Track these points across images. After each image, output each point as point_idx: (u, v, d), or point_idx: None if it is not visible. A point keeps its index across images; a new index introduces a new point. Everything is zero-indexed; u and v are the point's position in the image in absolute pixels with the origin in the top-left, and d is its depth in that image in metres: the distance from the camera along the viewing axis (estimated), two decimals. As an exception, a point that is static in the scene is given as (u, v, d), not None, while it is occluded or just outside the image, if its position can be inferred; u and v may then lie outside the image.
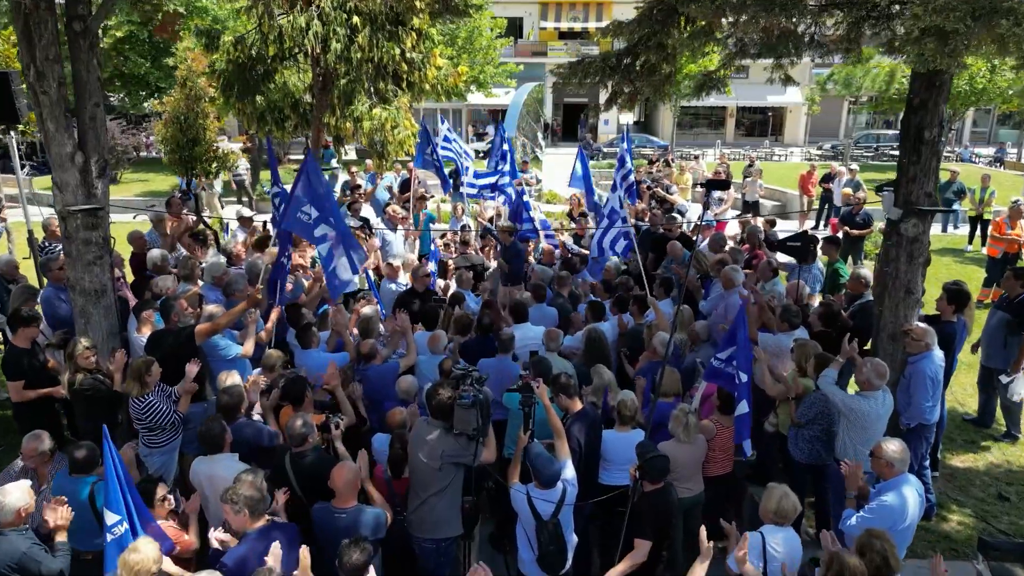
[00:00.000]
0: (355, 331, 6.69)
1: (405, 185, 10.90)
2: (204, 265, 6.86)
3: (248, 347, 5.65)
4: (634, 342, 6.66)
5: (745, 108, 39.55)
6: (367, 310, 6.96)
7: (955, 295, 5.85)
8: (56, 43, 5.30)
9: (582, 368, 6.22)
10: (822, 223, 16.62)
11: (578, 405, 4.87)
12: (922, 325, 5.35)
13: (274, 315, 6.24)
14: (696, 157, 20.79)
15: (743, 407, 4.49)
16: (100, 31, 21.71)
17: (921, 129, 5.31)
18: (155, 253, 6.87)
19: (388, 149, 8.34)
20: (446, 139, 9.54)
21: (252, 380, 5.31)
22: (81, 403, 5.11)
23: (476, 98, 32.62)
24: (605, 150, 31.86)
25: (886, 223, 5.63)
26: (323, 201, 6.12)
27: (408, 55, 8.65)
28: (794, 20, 4.96)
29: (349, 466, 4.06)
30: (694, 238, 9.17)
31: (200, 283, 6.84)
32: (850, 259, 10.67)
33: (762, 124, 41.22)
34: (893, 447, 4.11)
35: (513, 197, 9.71)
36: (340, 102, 8.55)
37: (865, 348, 6.42)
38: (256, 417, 5.23)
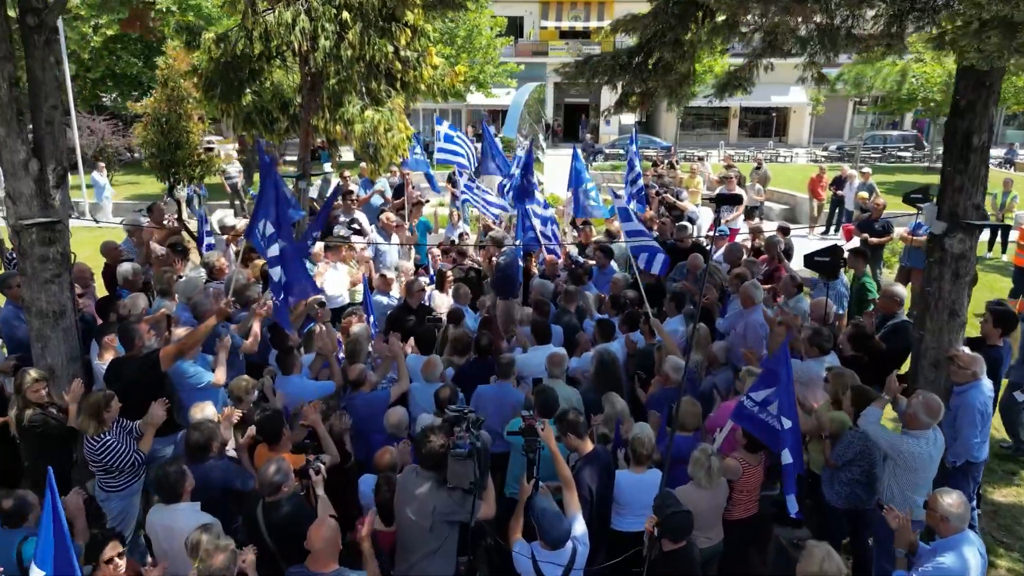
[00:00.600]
0: (342, 353, 6.18)
1: (399, 190, 10.36)
2: (184, 279, 6.30)
3: (219, 375, 5.11)
4: (646, 363, 6.12)
5: (748, 108, 39.00)
6: (356, 329, 6.42)
7: (1002, 317, 5.32)
8: (7, 39, 4.78)
9: (591, 395, 5.70)
10: (832, 228, 16.08)
11: (588, 446, 4.33)
12: (969, 352, 4.81)
13: (255, 328, 5.67)
14: (701, 159, 20.22)
15: (787, 456, 3.92)
16: (91, 30, 20.89)
17: (969, 134, 4.77)
18: (125, 267, 6.32)
19: (381, 153, 7.79)
20: (447, 139, 8.97)
21: (225, 414, 4.78)
22: (32, 440, 4.58)
23: (476, 98, 32.09)
24: (607, 151, 31.32)
25: (928, 238, 5.09)
26: (282, 216, 5.50)
27: (402, 53, 8.10)
28: (829, 12, 4.42)
29: (329, 524, 3.52)
30: (708, 248, 8.64)
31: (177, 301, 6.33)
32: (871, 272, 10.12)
33: (766, 125, 40.64)
34: (950, 500, 3.58)
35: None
36: (330, 103, 7.99)
37: (899, 373, 5.89)
38: (232, 452, 4.71)
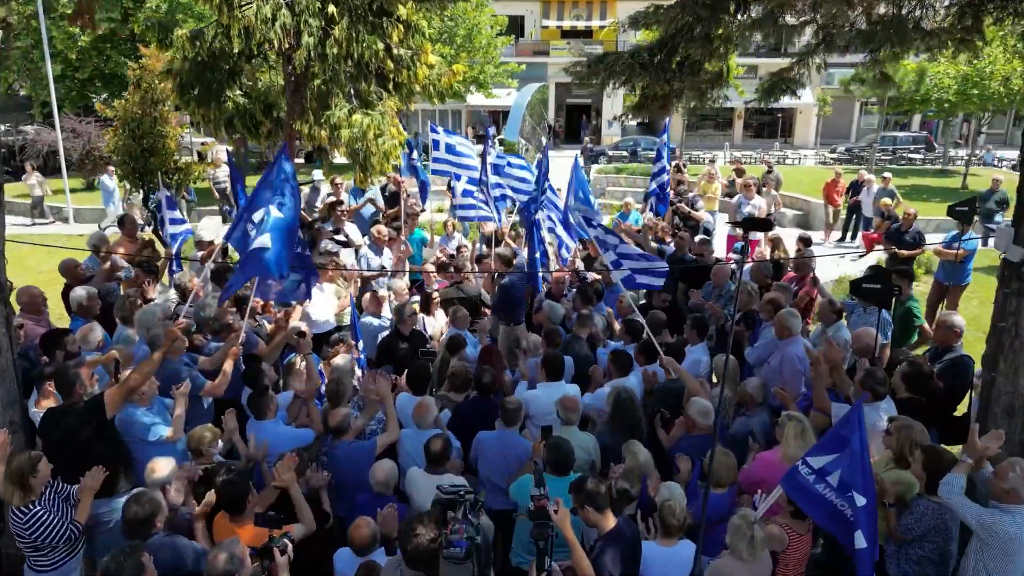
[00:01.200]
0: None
1: (394, 198, 9.63)
2: (143, 307, 5.57)
3: (175, 429, 4.39)
4: (668, 400, 5.40)
5: (753, 109, 38.27)
6: (339, 362, 5.71)
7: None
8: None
9: (606, 437, 4.99)
10: (849, 235, 15.37)
11: (610, 521, 3.61)
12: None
13: (227, 367, 4.97)
14: (712, 161, 19.47)
15: (860, 540, 3.20)
16: (79, 29, 20.00)
17: (1056, 145, 4.06)
18: (78, 293, 5.60)
19: (371, 161, 7.06)
20: (449, 148, 8.27)
21: (181, 474, 4.07)
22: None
23: (476, 99, 31.38)
24: (610, 153, 30.58)
25: (1002, 266, 4.37)
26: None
27: (395, 51, 7.39)
28: (896, 2, 3.71)
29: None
30: (730, 264, 7.93)
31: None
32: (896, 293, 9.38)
33: (771, 126, 39.90)
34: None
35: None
36: (315, 106, 7.26)
37: (956, 416, 5.18)
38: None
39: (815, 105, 34.53)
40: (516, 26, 36.80)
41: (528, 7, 38.02)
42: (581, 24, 37.94)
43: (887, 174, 14.26)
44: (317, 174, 9.83)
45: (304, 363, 5.40)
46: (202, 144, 20.52)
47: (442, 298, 7.27)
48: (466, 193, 8.55)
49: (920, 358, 5.23)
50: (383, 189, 10.21)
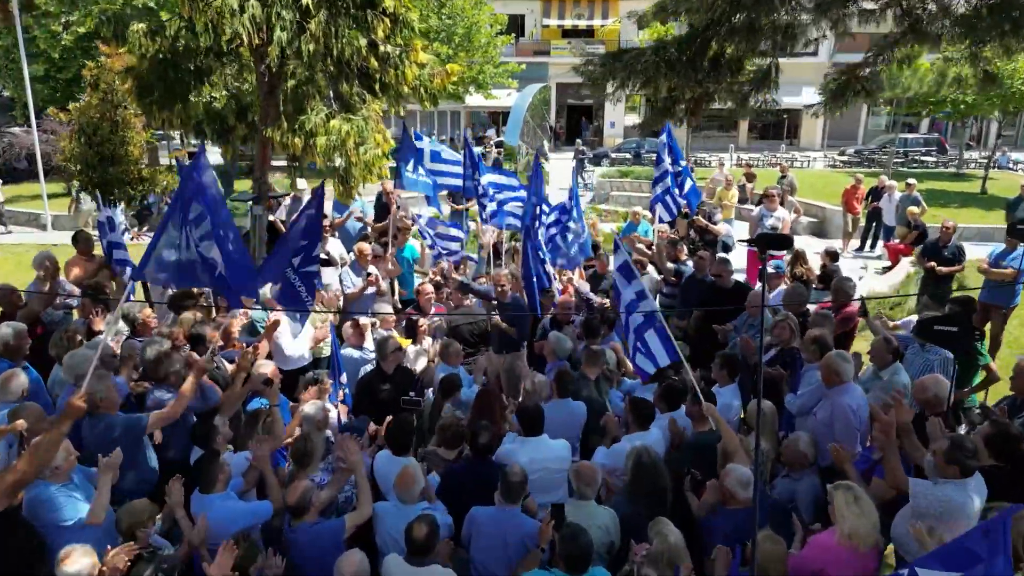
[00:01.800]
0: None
1: (383, 210, 8.79)
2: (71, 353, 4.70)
3: (97, 512, 3.55)
4: (700, 458, 4.56)
5: (760, 110, 37.39)
6: (310, 410, 4.86)
7: None
8: None
9: (624, 507, 4.17)
10: (869, 245, 14.54)
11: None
12: None
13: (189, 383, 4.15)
14: (721, 165, 18.65)
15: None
16: (62, 27, 19.07)
17: None
18: (3, 330, 4.76)
19: (353, 173, 6.22)
20: (435, 157, 7.45)
21: (103, 568, 3.24)
22: None
23: (475, 100, 30.57)
24: (612, 155, 29.76)
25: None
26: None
27: (381, 48, 6.55)
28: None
29: None
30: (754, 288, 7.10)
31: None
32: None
33: (776, 127, 39.07)
34: None
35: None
36: (291, 109, 6.42)
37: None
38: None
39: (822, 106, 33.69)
40: (516, 25, 36.00)
41: (528, 5, 37.22)
42: (583, 23, 37.13)
43: (911, 180, 13.41)
44: (300, 184, 9.00)
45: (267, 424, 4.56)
46: (191, 144, 19.66)
47: (450, 326, 6.43)
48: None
49: (995, 412, 4.39)
50: (378, 197, 9.38)
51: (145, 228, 15.35)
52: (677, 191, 7.62)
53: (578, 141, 23.56)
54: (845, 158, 29.34)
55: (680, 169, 8.23)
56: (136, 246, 6.98)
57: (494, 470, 4.15)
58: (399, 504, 3.93)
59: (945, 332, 4.26)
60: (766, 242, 3.85)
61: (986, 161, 23.12)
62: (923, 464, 3.88)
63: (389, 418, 4.73)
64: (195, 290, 5.86)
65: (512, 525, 3.83)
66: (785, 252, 8.90)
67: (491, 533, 3.86)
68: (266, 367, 5.14)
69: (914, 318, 6.15)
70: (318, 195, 5.04)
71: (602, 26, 36.94)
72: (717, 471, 4.46)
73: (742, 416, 5.39)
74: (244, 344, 5.55)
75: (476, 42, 25.10)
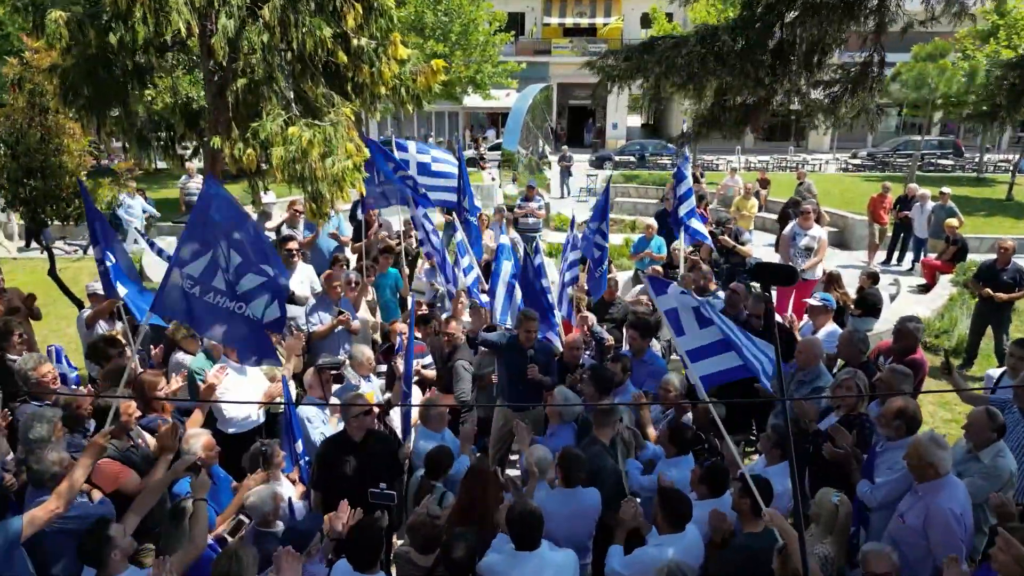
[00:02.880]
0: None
1: (361, 227, 7.69)
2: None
3: None
4: (752, 569, 3.48)
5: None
6: (254, 500, 3.79)
7: None
8: None
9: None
10: (896, 258, 13.44)
11: None
12: None
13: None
14: (734, 170, 17.57)
15: None
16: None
17: None
18: None
19: (319, 188, 5.14)
20: (423, 169, 6.38)
21: None
22: None
23: (474, 100, 29.51)
24: (616, 158, 28.67)
25: None
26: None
27: (354, 42, 5.48)
28: None
29: None
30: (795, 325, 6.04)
31: None
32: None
33: (784, 129, 37.96)
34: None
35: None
36: (242, 114, 5.33)
37: None
38: None
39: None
40: (516, 23, 34.98)
41: (529, 3, 36.23)
42: (585, 21, 36.10)
43: (946, 188, 12.33)
44: (269, 196, 7.92)
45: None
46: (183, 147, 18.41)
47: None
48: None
49: None
50: (353, 209, 8.29)
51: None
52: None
53: (564, 148, 22.35)
54: (858, 161, 28.23)
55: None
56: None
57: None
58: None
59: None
60: (769, 274, 2.82)
61: (1009, 165, 22.01)
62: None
63: (344, 506, 3.68)
64: (118, 335, 4.78)
65: None
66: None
67: None
68: (198, 439, 4.07)
69: (996, 372, 5.06)
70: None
71: (604, 25, 35.91)
72: None
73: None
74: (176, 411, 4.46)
75: (474, 40, 24.03)
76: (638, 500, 4.05)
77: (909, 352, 5.11)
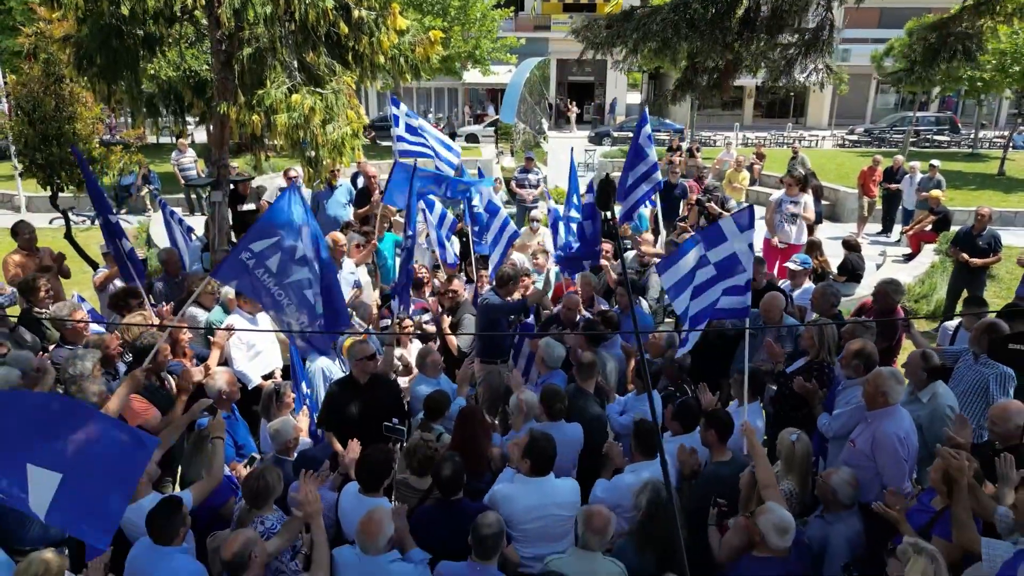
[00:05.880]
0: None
1: (364, 195, 8.01)
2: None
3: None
4: (718, 493, 3.88)
5: (764, 88, 36.32)
6: (277, 428, 4.18)
7: None
8: None
9: (628, 554, 3.51)
10: (886, 230, 13.76)
11: None
12: None
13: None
14: (729, 144, 17.81)
15: None
16: None
17: None
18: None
19: (320, 154, 5.43)
20: (409, 129, 6.58)
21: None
22: None
23: (473, 76, 29.54)
24: (615, 134, 28.83)
25: None
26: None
27: (355, 14, 5.75)
28: None
29: None
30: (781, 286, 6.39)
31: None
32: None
33: (783, 105, 38.03)
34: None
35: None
36: (249, 82, 5.61)
37: None
38: None
39: (831, 83, 32.62)
40: (515, -2, 34.84)
41: (528, -22, 36.02)
42: (585, -3, 35.91)
43: (935, 162, 12.61)
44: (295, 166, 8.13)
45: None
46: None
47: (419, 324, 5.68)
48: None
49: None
50: (354, 177, 8.59)
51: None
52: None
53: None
54: (854, 137, 28.38)
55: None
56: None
57: (465, 514, 3.47)
58: (362, 555, 3.26)
59: (1018, 351, 3.53)
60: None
61: (1004, 141, 22.20)
62: (994, 518, 3.20)
63: (355, 445, 4.06)
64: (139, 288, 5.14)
65: (485, 583, 3.16)
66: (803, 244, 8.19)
67: (462, 595, 3.19)
68: (222, 376, 4.44)
69: (952, 324, 5.43)
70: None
71: (605, 0, 35.71)
72: (739, 509, 3.82)
73: (766, 439, 4.71)
74: (195, 358, 4.83)
75: (472, 15, 24.05)
76: (620, 444, 4.47)
77: (888, 312, 5.46)
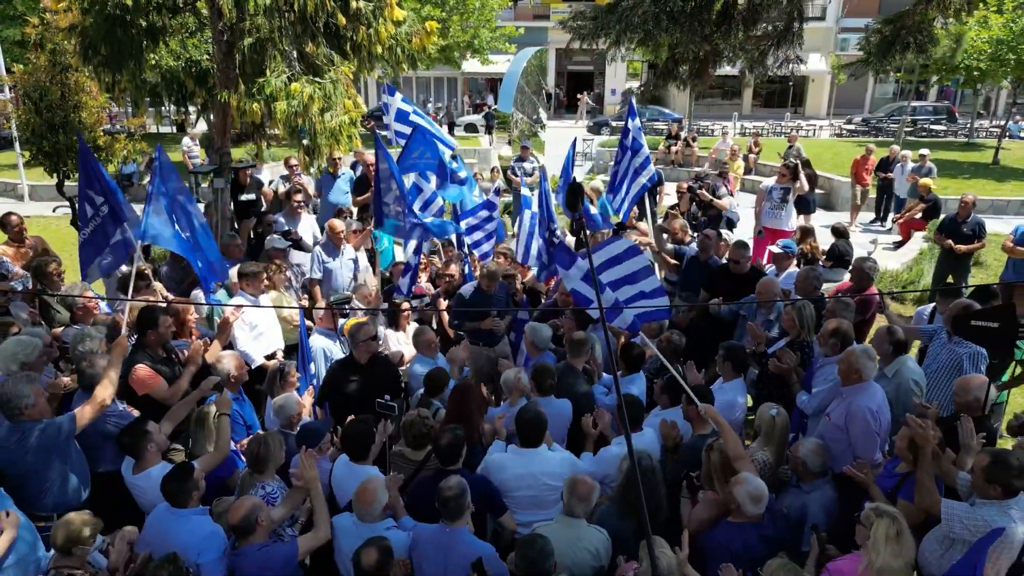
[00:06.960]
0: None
1: (363, 182, 8.18)
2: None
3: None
4: (697, 464, 4.09)
5: (764, 77, 36.26)
6: (281, 403, 4.38)
7: None
8: None
9: (611, 521, 3.71)
10: (879, 219, 13.93)
11: None
12: None
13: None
14: (725, 133, 17.92)
15: None
16: None
17: None
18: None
19: (318, 142, 5.60)
20: (402, 118, 6.63)
21: None
22: None
23: (472, 66, 29.57)
24: (613, 123, 28.88)
25: None
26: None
27: (353, 4, 5.89)
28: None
29: None
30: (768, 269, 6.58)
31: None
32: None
33: (782, 94, 38.00)
34: None
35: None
36: (249, 71, 5.76)
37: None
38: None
39: (829, 73, 32.62)
40: (514, -13, 34.76)
41: (527, -33, 35.89)
42: (583, -15, 35.81)
43: (925, 151, 12.76)
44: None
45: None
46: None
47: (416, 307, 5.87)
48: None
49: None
50: (353, 165, 8.72)
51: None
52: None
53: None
54: (852, 127, 28.45)
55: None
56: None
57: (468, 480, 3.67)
58: (359, 522, 3.46)
59: (985, 328, 3.71)
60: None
61: (998, 130, 22.31)
62: (956, 483, 3.40)
63: (351, 418, 4.26)
64: (146, 269, 5.32)
65: (454, 549, 3.34)
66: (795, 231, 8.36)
67: (431, 557, 3.39)
68: (231, 360, 4.63)
69: (928, 307, 5.62)
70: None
71: (604, -12, 35.64)
72: (703, 483, 4.02)
73: (749, 417, 4.92)
74: (202, 337, 5.03)
75: (471, 5, 24.07)
76: (609, 413, 4.66)
77: (864, 288, 5.66)
